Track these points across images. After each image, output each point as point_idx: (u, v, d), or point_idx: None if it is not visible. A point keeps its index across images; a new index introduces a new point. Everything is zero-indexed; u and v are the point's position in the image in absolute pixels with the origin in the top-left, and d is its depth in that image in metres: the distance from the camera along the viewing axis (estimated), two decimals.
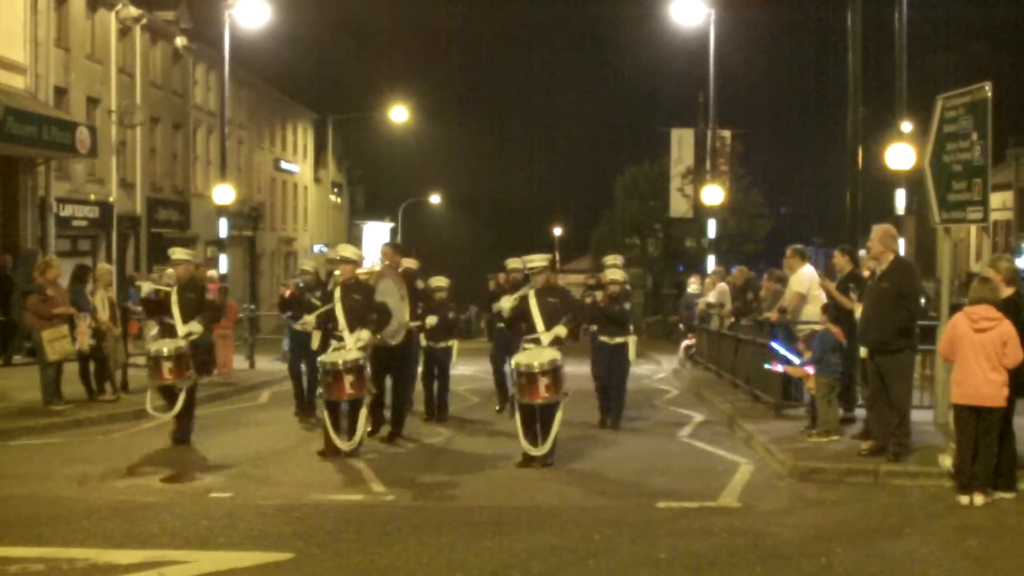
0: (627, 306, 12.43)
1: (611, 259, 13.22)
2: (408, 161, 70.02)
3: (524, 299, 10.36)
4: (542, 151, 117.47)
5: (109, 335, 13.80)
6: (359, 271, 10.96)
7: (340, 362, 10.06)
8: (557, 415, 9.83)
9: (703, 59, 27.94)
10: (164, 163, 33.18)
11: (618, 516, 7.79)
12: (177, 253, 11.81)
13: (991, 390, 8.01)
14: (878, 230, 9.65)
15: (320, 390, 10.33)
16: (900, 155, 18.66)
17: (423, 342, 12.91)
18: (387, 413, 11.63)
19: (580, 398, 12.52)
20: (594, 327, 12.63)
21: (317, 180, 53.79)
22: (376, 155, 64.06)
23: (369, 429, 10.89)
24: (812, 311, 11.73)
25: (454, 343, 13.22)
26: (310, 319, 10.94)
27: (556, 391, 9.77)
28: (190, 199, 35.04)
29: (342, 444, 10.14)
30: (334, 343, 10.44)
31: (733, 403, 13.65)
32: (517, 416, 9.96)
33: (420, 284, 12.67)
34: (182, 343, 10.80)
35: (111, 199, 28.24)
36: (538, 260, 10.51)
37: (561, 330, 10.13)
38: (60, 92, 25.53)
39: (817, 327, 11.04)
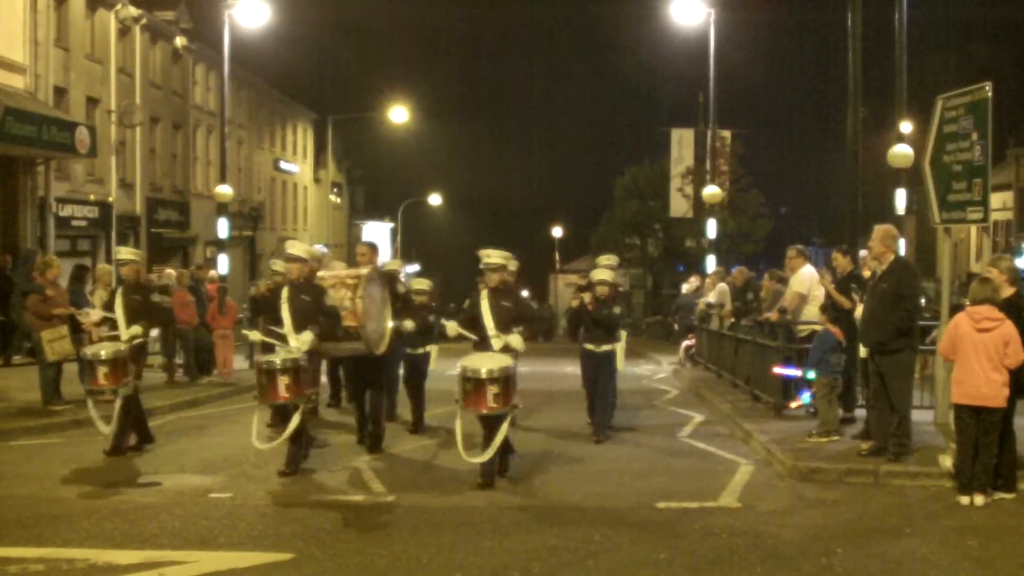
0: (617, 310, 11.54)
1: (604, 259, 12.76)
2: (408, 161, 70.14)
3: (475, 301, 9.60)
4: (542, 151, 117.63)
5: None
6: (339, 273, 10.36)
7: (277, 362, 9.24)
8: (503, 426, 8.88)
9: (703, 59, 27.96)
10: (164, 163, 33.19)
11: (618, 516, 7.79)
12: (122, 253, 11.23)
13: (992, 390, 8.01)
14: (879, 230, 9.65)
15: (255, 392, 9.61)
16: (900, 155, 18.66)
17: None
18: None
19: (578, 398, 12.54)
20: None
21: (317, 180, 53.81)
22: (376, 155, 64.19)
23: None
24: (812, 311, 11.74)
25: (432, 348, 12.29)
26: (254, 335, 10.19)
27: (505, 402, 8.78)
28: (190, 199, 35.04)
29: (258, 443, 9.34)
30: (278, 345, 9.70)
31: (733, 403, 13.65)
32: (457, 425, 9.10)
33: (402, 288, 12.12)
34: (122, 347, 10.17)
35: (111, 199, 28.24)
36: (494, 256, 9.68)
37: (516, 340, 9.30)
38: (60, 92, 25.54)
39: (817, 327, 11.04)
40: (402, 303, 11.73)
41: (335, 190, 57.16)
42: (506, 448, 9.27)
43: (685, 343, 21.00)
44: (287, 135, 49.23)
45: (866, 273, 10.83)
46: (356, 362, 10.63)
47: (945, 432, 9.88)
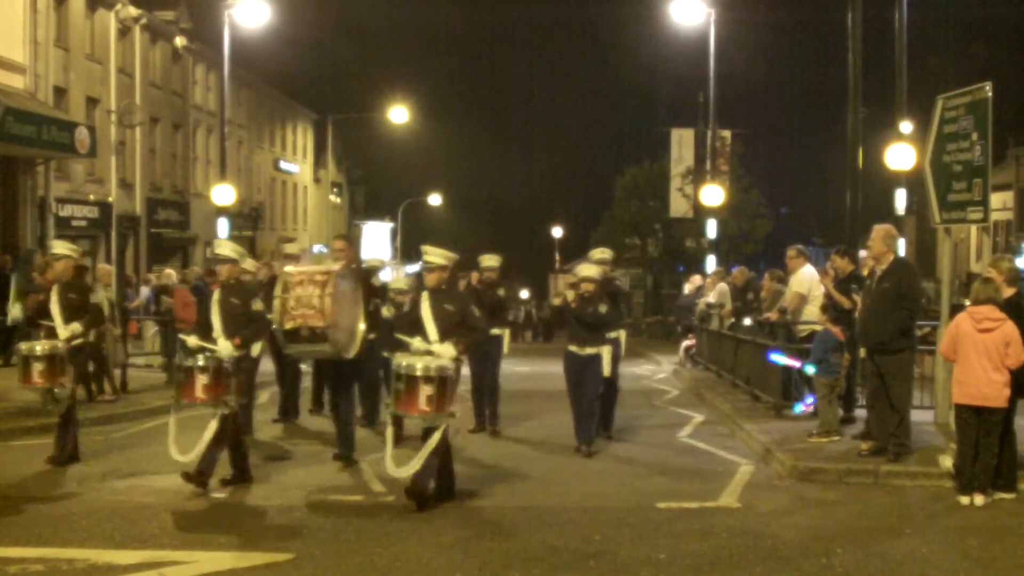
0: (603, 308, 10.51)
1: (597, 252, 11.92)
2: (408, 161, 70.05)
3: (416, 303, 8.70)
4: (542, 151, 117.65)
5: (109, 335, 13.80)
6: (307, 269, 9.56)
7: (199, 362, 8.65)
8: (435, 435, 8.01)
9: (703, 59, 27.95)
10: (164, 163, 33.20)
11: (618, 516, 7.79)
12: (57, 247, 10.43)
13: (993, 390, 8.01)
14: (880, 230, 9.65)
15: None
16: (900, 155, 18.67)
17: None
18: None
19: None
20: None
21: (317, 180, 53.82)
22: (376, 155, 64.14)
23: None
24: (812, 311, 11.74)
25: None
26: (192, 340, 9.00)
27: (440, 407, 7.96)
28: (190, 199, 35.05)
29: (178, 455, 8.63)
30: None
31: (733, 403, 13.64)
32: (388, 431, 8.49)
33: (377, 283, 11.38)
34: (59, 344, 9.60)
35: (110, 199, 28.17)
36: (433, 255, 8.69)
37: (445, 349, 8.24)
38: (60, 92, 25.55)
39: (817, 327, 11.04)
40: (379, 302, 11.12)
41: (335, 190, 57.17)
42: (444, 469, 8.29)
43: (685, 343, 21.00)
44: (287, 135, 49.24)
45: (864, 272, 10.84)
46: (326, 366, 10.10)
47: (945, 432, 9.88)
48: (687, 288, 21.70)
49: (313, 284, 8.98)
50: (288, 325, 8.93)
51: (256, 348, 10.57)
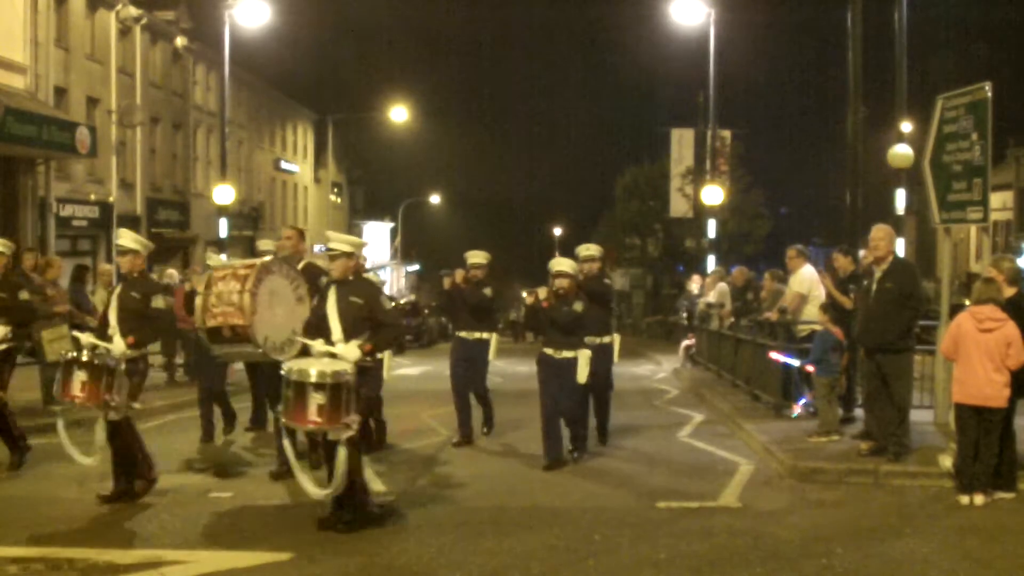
0: (578, 307, 9.61)
1: (584, 249, 10.79)
2: (408, 161, 70.18)
3: (323, 298, 7.76)
4: (542, 151, 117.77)
5: None
6: (233, 263, 8.75)
7: (82, 356, 7.95)
8: (341, 452, 7.11)
9: (703, 59, 27.96)
10: (164, 163, 33.20)
11: (618, 516, 7.79)
12: None
13: (993, 390, 8.01)
14: (884, 230, 9.64)
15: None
16: (900, 155, 18.66)
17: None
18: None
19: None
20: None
21: (317, 180, 53.83)
22: (376, 155, 64.20)
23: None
24: (812, 311, 11.74)
25: (385, 355, 9.96)
26: (86, 337, 8.25)
27: (332, 418, 7.02)
28: (190, 199, 35.06)
29: (78, 455, 8.20)
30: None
31: (733, 403, 13.65)
32: (285, 443, 7.75)
33: (324, 282, 10.12)
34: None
35: (111, 199, 28.26)
36: (338, 241, 7.71)
37: (349, 350, 7.29)
38: (60, 92, 25.56)
39: (817, 327, 11.05)
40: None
41: (335, 190, 57.19)
42: (355, 490, 7.35)
43: (685, 343, 21.01)
44: (287, 135, 49.24)
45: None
46: (255, 369, 9.29)
47: (945, 432, 9.88)
48: (695, 288, 21.66)
49: (235, 279, 8.03)
50: (210, 324, 7.99)
51: None
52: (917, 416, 10.29)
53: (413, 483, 9.09)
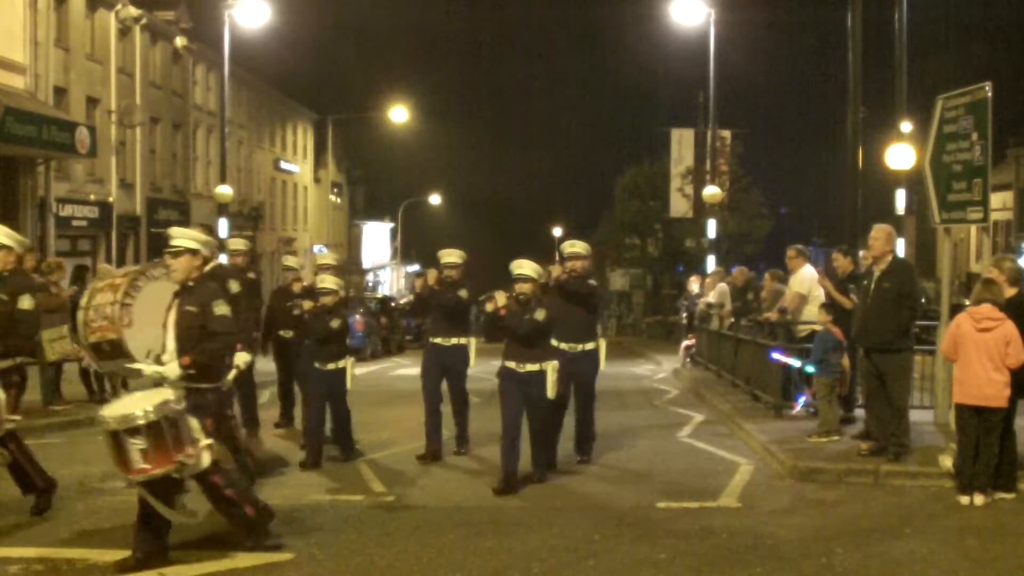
0: (539, 315, 8.58)
1: (568, 246, 9.84)
2: (408, 161, 70.21)
3: (169, 307, 6.94)
4: (542, 151, 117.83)
5: None
6: (114, 271, 7.98)
7: None
8: (208, 480, 6.51)
9: (703, 59, 27.97)
10: (164, 163, 33.20)
11: (618, 516, 7.79)
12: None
13: (993, 390, 8.01)
14: (883, 230, 9.64)
15: None
16: (900, 155, 18.66)
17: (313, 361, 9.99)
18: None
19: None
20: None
21: (317, 180, 53.83)
22: (376, 155, 64.23)
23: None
24: (812, 311, 11.74)
25: (347, 362, 9.97)
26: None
27: (164, 460, 6.23)
28: (190, 199, 35.06)
29: None
30: None
31: (733, 403, 13.64)
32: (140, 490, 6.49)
33: (234, 287, 9.25)
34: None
35: (111, 199, 28.27)
36: (181, 237, 6.93)
37: (170, 369, 6.59)
38: (60, 92, 25.56)
39: (817, 327, 11.05)
40: (259, 303, 9.41)
41: (335, 190, 57.19)
42: (237, 522, 6.68)
43: (685, 343, 21.02)
44: (287, 135, 49.25)
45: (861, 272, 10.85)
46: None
47: (945, 432, 9.88)
48: (695, 287, 21.66)
49: (111, 289, 7.18)
50: (91, 340, 7.12)
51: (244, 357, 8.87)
52: (917, 416, 10.30)
53: (413, 483, 9.09)
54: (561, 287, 9.50)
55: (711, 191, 27.73)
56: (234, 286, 8.98)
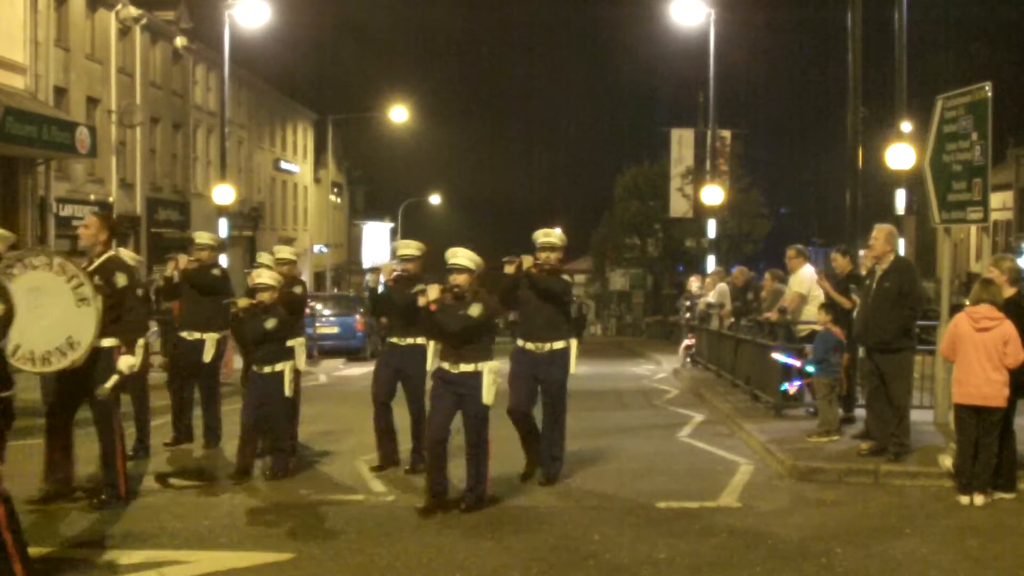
0: (475, 311, 7.66)
1: (541, 235, 8.85)
2: (408, 161, 70.26)
3: None
4: (542, 151, 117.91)
5: None
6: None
7: None
8: None
9: (703, 59, 28.00)
10: (164, 163, 33.21)
11: (618, 516, 7.79)
12: None
13: (992, 390, 8.01)
14: (883, 229, 9.65)
15: None
16: (900, 155, 18.66)
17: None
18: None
19: (576, 398, 12.47)
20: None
21: (317, 180, 53.82)
22: (376, 155, 64.30)
23: None
24: (812, 311, 11.75)
25: (285, 366, 9.23)
26: None
27: None
28: (190, 199, 35.06)
29: None
30: None
31: (733, 403, 13.65)
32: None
33: (121, 280, 8.15)
34: None
35: (111, 199, 28.27)
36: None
37: None
38: (60, 92, 25.55)
39: (817, 327, 11.05)
40: (133, 303, 8.71)
41: (335, 190, 57.19)
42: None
43: (685, 343, 21.02)
44: (287, 135, 49.24)
45: (862, 272, 10.84)
46: (55, 381, 8.05)
47: (945, 432, 9.88)
48: (696, 287, 21.66)
49: None
50: None
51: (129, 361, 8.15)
52: (917, 416, 10.29)
53: (413, 483, 9.08)
54: (531, 280, 8.60)
55: (711, 191, 27.74)
56: (120, 280, 8.09)
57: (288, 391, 9.22)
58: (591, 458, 10.32)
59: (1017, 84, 36.89)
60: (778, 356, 12.03)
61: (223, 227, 26.01)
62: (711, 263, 26.30)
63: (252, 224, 38.54)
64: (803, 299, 12.24)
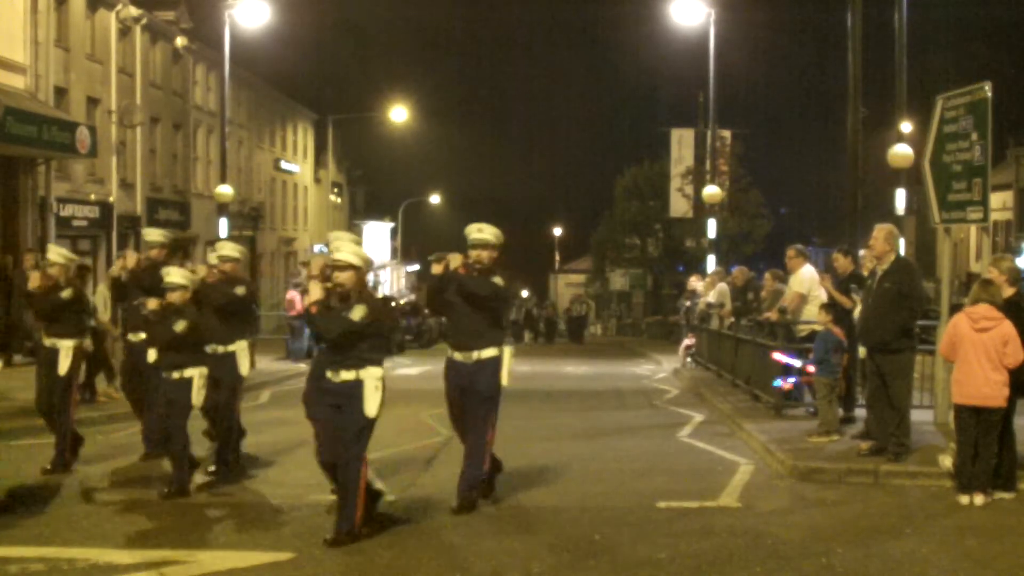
0: (358, 314, 6.84)
1: (474, 231, 7.82)
2: (408, 161, 70.30)
3: None
4: (542, 151, 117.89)
5: (108, 335, 13.81)
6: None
7: None
8: None
9: (703, 59, 27.97)
10: (164, 163, 33.19)
11: (618, 516, 7.80)
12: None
13: (992, 390, 8.01)
14: (883, 229, 9.65)
15: None
16: (900, 155, 18.66)
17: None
18: None
19: (579, 397, 12.52)
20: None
21: (317, 180, 53.81)
22: (376, 155, 64.31)
23: None
24: (812, 311, 11.75)
25: (195, 372, 8.51)
26: None
27: None
28: (190, 199, 35.05)
29: None
30: None
31: (733, 403, 13.65)
32: None
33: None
34: None
35: (111, 199, 28.25)
36: None
37: None
38: (60, 92, 25.54)
39: (817, 327, 11.05)
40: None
41: (335, 190, 57.17)
42: None
43: (685, 343, 21.02)
44: (287, 135, 49.22)
45: (864, 271, 10.84)
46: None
47: (945, 432, 9.88)
48: (699, 287, 21.64)
49: None
50: None
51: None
52: (917, 416, 10.29)
53: (413, 483, 9.09)
54: (458, 283, 7.70)
55: (711, 191, 27.73)
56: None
57: (196, 400, 8.51)
58: (591, 458, 10.33)
59: (1017, 84, 36.92)
60: (779, 357, 12.03)
61: (223, 227, 26.01)
62: (711, 263, 26.29)
63: (252, 224, 38.54)
64: (803, 299, 12.24)
